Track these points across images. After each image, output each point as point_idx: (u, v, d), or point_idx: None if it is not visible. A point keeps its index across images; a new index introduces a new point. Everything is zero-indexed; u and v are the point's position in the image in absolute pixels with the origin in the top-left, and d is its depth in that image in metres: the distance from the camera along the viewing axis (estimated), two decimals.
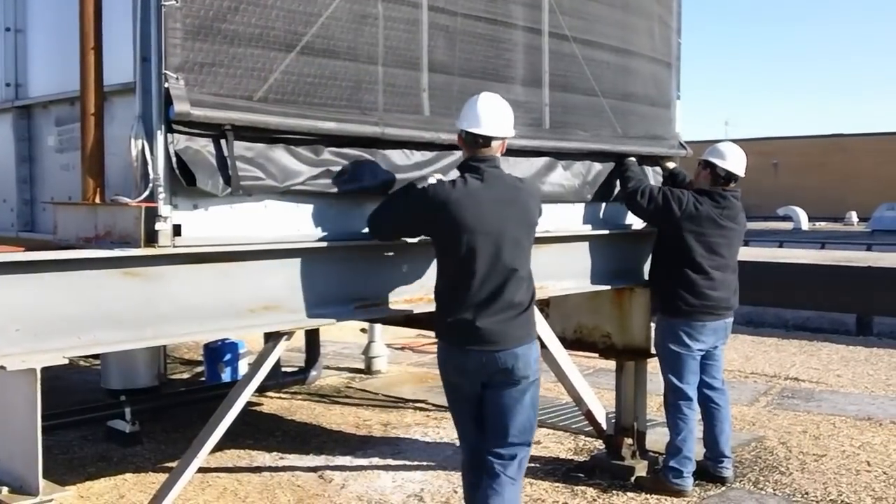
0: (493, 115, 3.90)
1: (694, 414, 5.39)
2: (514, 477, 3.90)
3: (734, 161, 5.36)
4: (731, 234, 5.36)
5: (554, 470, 5.67)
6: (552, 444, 6.28)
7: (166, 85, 3.25)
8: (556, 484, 5.46)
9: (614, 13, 5.45)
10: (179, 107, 3.24)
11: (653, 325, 5.64)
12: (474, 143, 3.90)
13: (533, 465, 5.76)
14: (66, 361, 3.08)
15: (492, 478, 3.88)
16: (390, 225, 3.97)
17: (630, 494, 5.34)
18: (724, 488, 5.44)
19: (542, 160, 4.92)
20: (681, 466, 5.31)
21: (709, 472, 5.53)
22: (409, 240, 4.19)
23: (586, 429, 6.32)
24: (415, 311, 4.37)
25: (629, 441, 5.75)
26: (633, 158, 5.53)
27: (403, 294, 4.29)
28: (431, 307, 4.42)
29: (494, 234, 3.79)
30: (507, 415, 3.87)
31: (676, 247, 5.29)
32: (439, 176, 4.09)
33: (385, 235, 4.04)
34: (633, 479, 5.55)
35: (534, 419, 3.99)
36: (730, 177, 5.36)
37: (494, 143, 3.92)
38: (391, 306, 4.23)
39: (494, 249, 3.78)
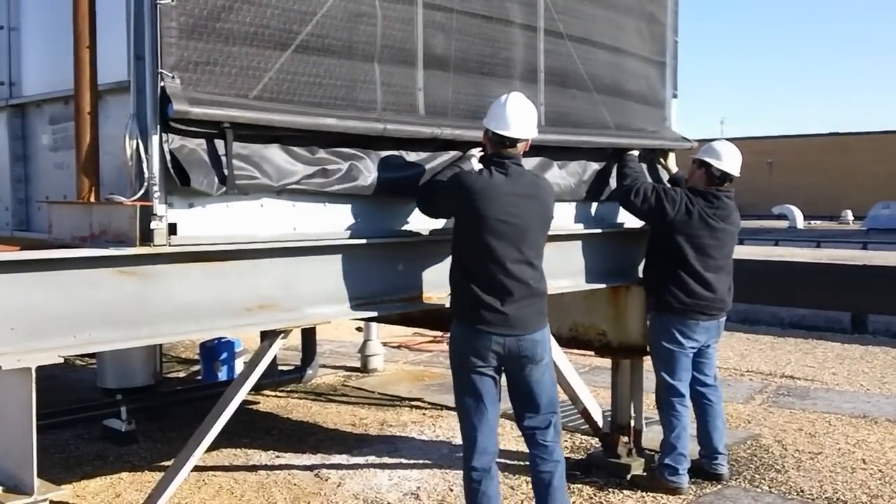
0: (520, 117, 4.10)
1: (687, 411, 5.39)
2: (555, 440, 4.25)
3: (730, 161, 5.35)
4: (723, 235, 5.36)
5: None
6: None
7: (162, 84, 3.24)
8: None
9: (607, 12, 5.46)
10: (178, 105, 3.23)
11: (647, 322, 5.65)
12: (500, 144, 4.11)
13: (527, 462, 5.76)
14: (62, 360, 3.08)
15: (537, 447, 4.24)
16: (433, 203, 4.19)
17: (626, 492, 5.35)
18: (719, 486, 5.44)
19: (537, 160, 4.91)
20: (676, 464, 5.31)
21: (704, 470, 5.53)
22: (402, 239, 4.21)
23: (583, 427, 6.33)
24: (411, 309, 4.37)
25: (625, 439, 5.76)
26: (634, 152, 5.53)
27: (399, 292, 4.29)
28: (426, 305, 4.43)
29: (516, 226, 4.00)
30: (534, 389, 4.18)
31: (668, 246, 5.30)
32: (477, 154, 4.37)
33: (430, 213, 4.25)
34: (629, 477, 5.56)
35: (556, 393, 4.34)
36: (725, 177, 5.36)
37: (520, 144, 4.15)
38: (387, 304, 4.23)
39: (515, 240, 4.00)
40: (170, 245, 3.32)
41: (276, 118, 3.59)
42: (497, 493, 4.21)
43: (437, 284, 4.47)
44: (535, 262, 4.11)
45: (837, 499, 5.25)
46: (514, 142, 4.10)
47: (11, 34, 4.46)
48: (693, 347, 5.36)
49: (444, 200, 4.14)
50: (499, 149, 4.11)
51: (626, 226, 5.63)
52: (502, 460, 5.93)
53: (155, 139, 3.28)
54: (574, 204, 5.26)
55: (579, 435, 6.50)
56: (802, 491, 5.38)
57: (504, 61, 4.76)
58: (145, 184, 3.28)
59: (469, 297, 4.02)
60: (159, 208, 3.29)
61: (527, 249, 4.05)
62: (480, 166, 4.25)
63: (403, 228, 4.29)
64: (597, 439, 6.04)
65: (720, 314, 5.42)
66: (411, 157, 4.28)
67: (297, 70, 3.73)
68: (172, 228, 3.34)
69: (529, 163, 4.90)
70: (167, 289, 3.39)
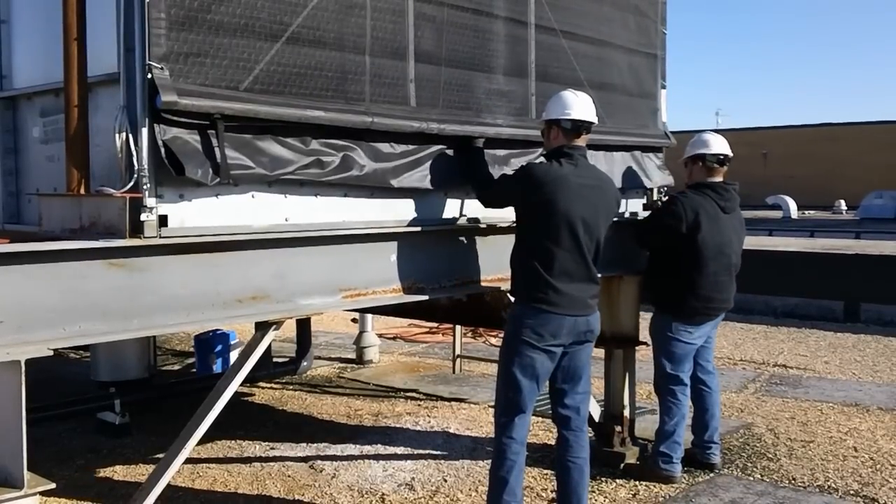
0: (582, 104, 4.34)
1: (687, 400, 5.41)
2: (583, 428, 4.46)
3: (718, 144, 5.38)
4: (736, 226, 5.35)
5: (543, 457, 5.68)
6: (541, 432, 6.29)
7: (151, 75, 3.23)
8: (546, 471, 5.47)
9: (592, 5, 5.47)
10: (166, 97, 3.22)
11: (642, 313, 5.65)
12: (567, 131, 4.32)
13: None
14: (52, 353, 3.07)
15: (570, 430, 4.41)
16: (496, 193, 4.48)
17: (619, 481, 5.37)
18: (712, 475, 5.47)
19: (535, 152, 4.93)
20: (670, 451, 5.33)
21: (697, 459, 5.56)
22: (395, 230, 4.21)
23: None
24: (404, 301, 4.37)
25: (618, 428, 5.77)
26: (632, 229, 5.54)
27: (392, 283, 4.29)
28: (419, 297, 4.43)
29: (583, 216, 4.20)
30: (582, 368, 4.40)
31: (683, 248, 5.23)
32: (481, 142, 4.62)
33: (492, 203, 4.53)
34: (622, 466, 5.58)
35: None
36: (722, 160, 5.35)
37: (584, 136, 4.36)
38: (379, 296, 4.23)
39: (582, 229, 4.20)
40: (160, 237, 3.32)
41: (263, 110, 3.58)
42: (523, 468, 4.34)
43: (430, 275, 4.48)
44: (598, 251, 4.31)
45: (829, 486, 5.28)
46: (578, 128, 4.30)
47: (2, 27, 4.44)
48: (699, 340, 5.38)
49: (510, 191, 4.35)
50: (566, 140, 4.31)
51: (615, 218, 5.63)
52: (488, 448, 5.98)
53: (144, 131, 3.27)
54: None
55: None
56: (794, 479, 5.40)
57: (492, 52, 4.75)
58: (135, 176, 3.27)
59: (539, 281, 4.17)
60: (149, 200, 3.28)
61: (592, 238, 4.24)
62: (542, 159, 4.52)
63: (396, 219, 4.30)
64: (590, 428, 6.04)
65: (726, 309, 5.46)
66: (402, 147, 4.28)
67: (288, 61, 3.72)
68: (163, 220, 3.34)
69: (528, 156, 4.93)
70: (158, 281, 3.38)
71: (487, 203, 4.54)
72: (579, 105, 4.33)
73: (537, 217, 4.20)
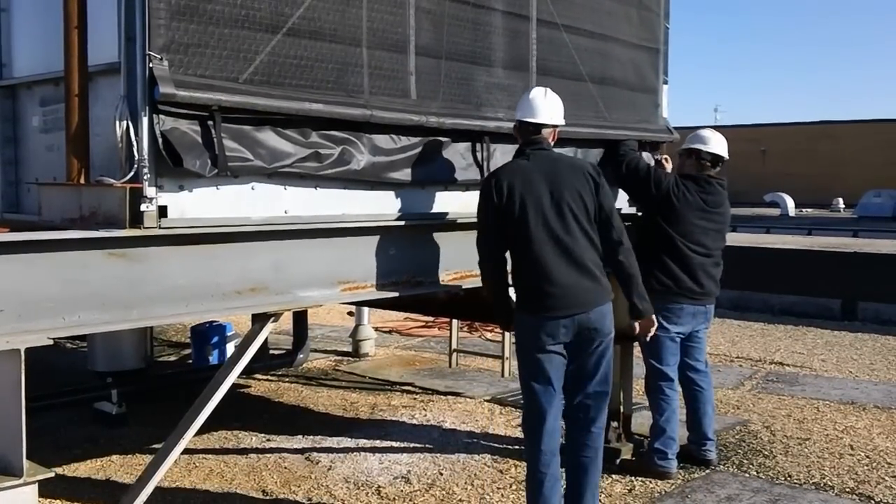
0: (545, 105, 4.26)
1: (676, 395, 5.42)
2: (590, 428, 4.27)
3: (717, 143, 5.39)
4: (713, 221, 5.37)
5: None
6: None
7: (150, 66, 3.22)
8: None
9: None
10: (164, 88, 3.22)
11: None
12: (526, 132, 4.27)
13: (516, 446, 5.79)
14: (51, 342, 3.07)
15: (575, 429, 4.28)
16: (489, 241, 4.22)
17: (615, 477, 5.37)
18: (708, 471, 5.48)
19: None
20: (665, 448, 5.34)
21: (692, 455, 5.57)
22: (394, 223, 4.20)
23: None
24: (402, 294, 4.37)
25: (614, 424, 5.77)
26: (633, 142, 5.60)
27: (391, 276, 4.29)
28: (417, 290, 4.44)
29: (546, 199, 4.06)
30: (592, 367, 4.20)
31: (655, 229, 5.32)
32: None
33: (491, 254, 4.23)
34: (618, 461, 5.58)
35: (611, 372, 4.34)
36: (716, 160, 5.39)
37: (545, 131, 4.27)
38: (377, 289, 4.23)
39: (553, 213, 4.05)
40: (160, 227, 3.32)
41: (261, 102, 3.57)
42: (559, 476, 4.23)
43: (429, 269, 4.48)
44: (576, 238, 4.08)
45: (825, 484, 5.29)
46: (538, 128, 4.24)
47: (2, 15, 4.43)
48: (679, 333, 5.38)
49: (484, 210, 4.18)
50: (526, 137, 4.27)
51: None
52: (491, 444, 5.99)
53: (145, 121, 3.27)
54: None
55: None
56: (790, 476, 5.42)
57: (492, 46, 4.75)
58: (135, 166, 3.27)
59: (525, 288, 4.11)
60: (149, 191, 3.28)
61: (564, 220, 4.06)
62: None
63: (395, 212, 4.30)
64: None
65: (706, 300, 5.43)
66: (403, 140, 4.28)
67: (288, 53, 3.71)
68: (162, 211, 3.33)
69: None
70: (157, 271, 3.38)
71: (483, 244, 4.26)
72: (542, 108, 4.25)
73: (508, 218, 4.08)
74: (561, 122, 4.35)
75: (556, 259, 4.04)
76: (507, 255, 4.21)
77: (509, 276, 4.24)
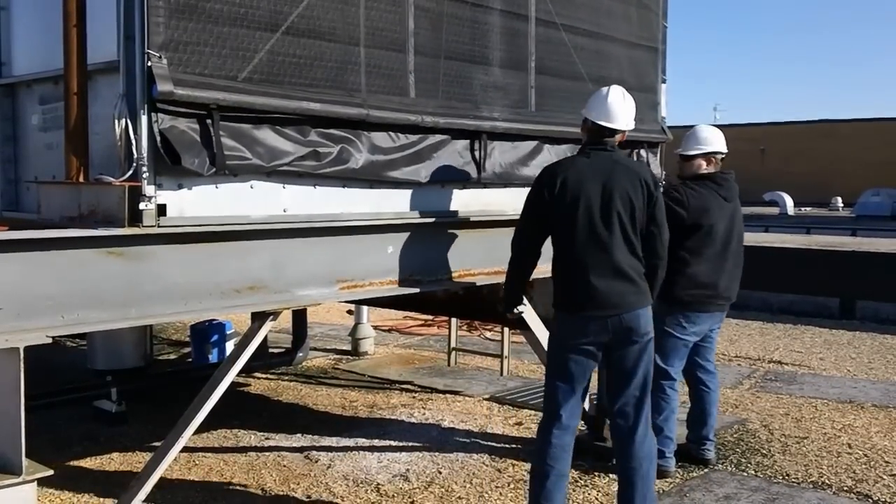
0: (623, 110, 4.17)
1: (676, 395, 5.42)
2: (633, 436, 4.21)
3: (717, 140, 5.37)
4: (735, 215, 5.33)
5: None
6: (534, 426, 6.30)
7: (149, 64, 3.23)
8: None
9: None
10: (162, 86, 3.23)
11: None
12: (597, 133, 4.17)
13: (514, 445, 5.80)
14: (50, 341, 3.08)
15: (619, 437, 4.24)
16: (527, 230, 4.19)
17: (612, 475, 5.36)
18: (706, 470, 5.48)
19: (531, 144, 4.94)
20: (663, 447, 5.33)
21: (691, 454, 5.57)
22: (392, 222, 4.21)
23: None
24: (401, 293, 4.38)
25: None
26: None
27: (389, 275, 4.30)
28: (416, 289, 4.44)
29: (596, 199, 4.01)
30: (629, 370, 4.16)
31: (684, 236, 5.17)
32: None
33: (526, 241, 4.21)
34: (614, 460, 5.58)
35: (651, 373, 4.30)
36: (716, 155, 5.36)
37: (617, 136, 4.20)
38: (376, 288, 4.24)
39: (599, 214, 4.00)
40: (159, 226, 3.33)
41: (260, 101, 3.58)
42: (567, 474, 4.22)
43: (427, 267, 4.49)
44: (620, 241, 4.04)
45: (823, 483, 5.30)
46: (612, 132, 4.16)
47: (1, 14, 4.44)
48: (695, 336, 5.37)
49: (532, 200, 4.15)
50: (596, 138, 4.17)
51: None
52: (489, 442, 6.00)
53: (144, 120, 3.28)
54: None
55: None
56: (788, 475, 5.42)
57: (490, 45, 4.76)
58: (134, 164, 3.28)
59: (563, 285, 4.11)
60: (148, 189, 3.29)
61: (608, 222, 4.02)
62: None
63: (394, 211, 4.30)
64: (583, 422, 6.06)
65: (726, 304, 5.42)
66: (401, 139, 4.28)
67: (286, 52, 3.72)
68: (161, 209, 3.35)
69: (522, 147, 4.94)
70: (156, 270, 3.39)
71: (521, 232, 4.24)
72: (611, 112, 4.16)
73: (556, 213, 4.06)
74: (633, 126, 4.29)
75: (596, 260, 4.01)
76: (542, 249, 4.20)
77: (531, 270, 4.26)
